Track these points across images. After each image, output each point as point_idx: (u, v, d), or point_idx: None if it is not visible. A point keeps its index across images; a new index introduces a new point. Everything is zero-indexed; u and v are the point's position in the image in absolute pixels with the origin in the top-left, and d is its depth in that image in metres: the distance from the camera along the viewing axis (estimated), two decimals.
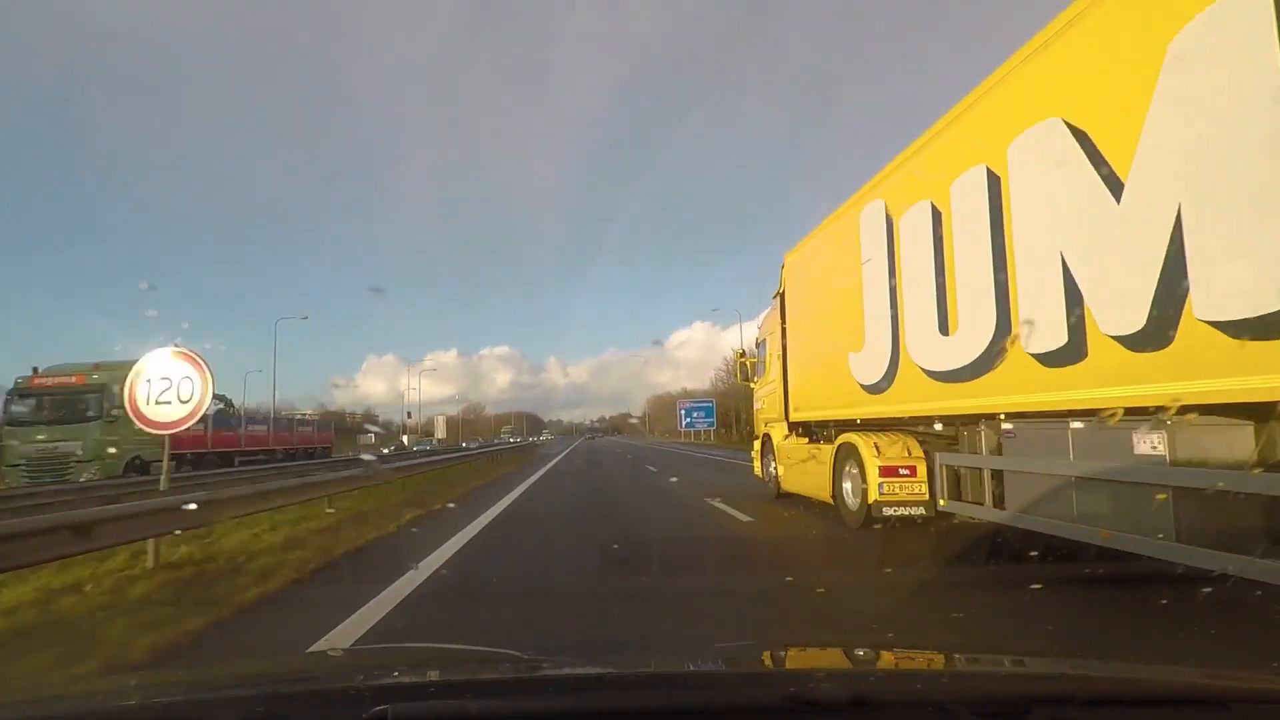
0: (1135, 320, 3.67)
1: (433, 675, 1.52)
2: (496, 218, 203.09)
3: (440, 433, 77.58)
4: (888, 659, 1.82)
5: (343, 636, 4.05)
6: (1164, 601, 4.59)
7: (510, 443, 48.90)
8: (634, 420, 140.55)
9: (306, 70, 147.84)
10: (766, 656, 1.83)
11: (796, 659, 1.81)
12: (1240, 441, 3.50)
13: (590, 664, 1.79)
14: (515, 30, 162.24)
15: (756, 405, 12.49)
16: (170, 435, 6.43)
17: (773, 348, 10.86)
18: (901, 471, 7.01)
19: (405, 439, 66.36)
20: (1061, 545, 4.98)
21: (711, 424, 68.01)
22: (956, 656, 1.88)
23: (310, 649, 3.87)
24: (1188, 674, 1.53)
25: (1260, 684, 1.38)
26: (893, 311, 6.56)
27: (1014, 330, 4.66)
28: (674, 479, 16.06)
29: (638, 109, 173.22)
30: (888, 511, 6.96)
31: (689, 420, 71.12)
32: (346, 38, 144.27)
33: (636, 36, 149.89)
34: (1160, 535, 3.85)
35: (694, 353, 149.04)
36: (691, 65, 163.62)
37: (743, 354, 13.27)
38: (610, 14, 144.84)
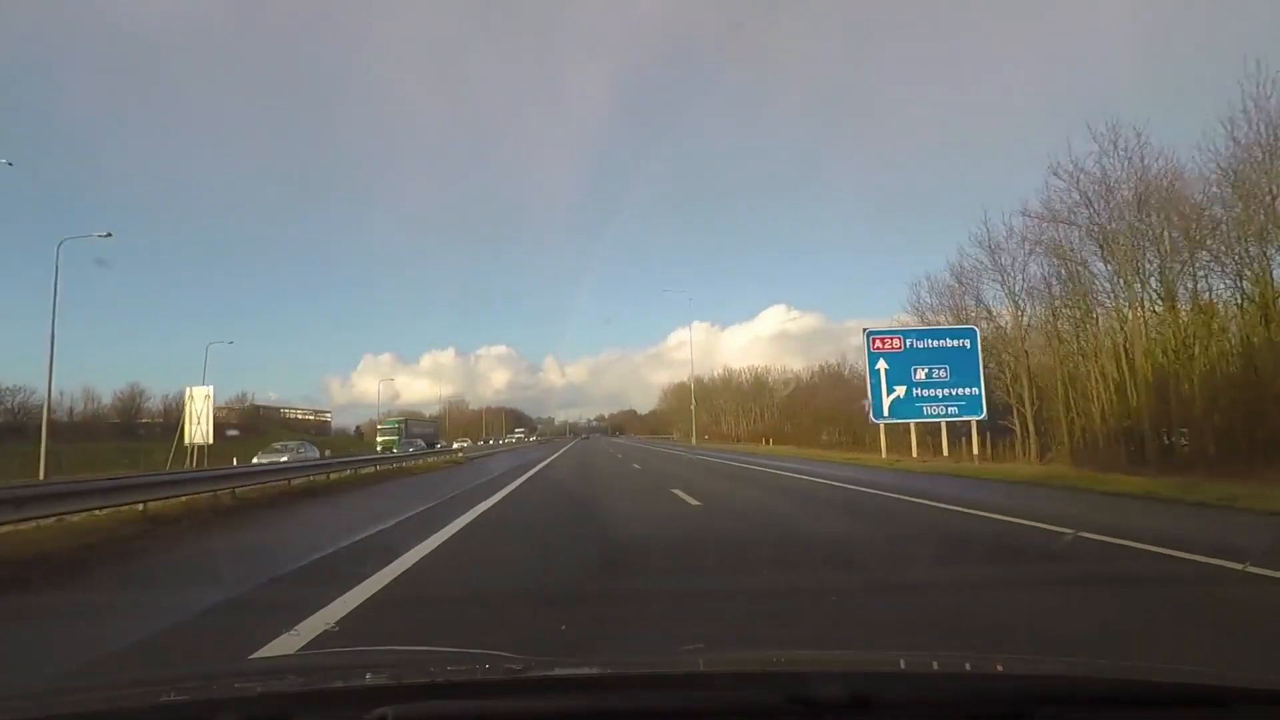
0: None
1: (433, 676, 1.56)
2: (495, 217, 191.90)
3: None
4: (888, 659, 1.87)
5: None
6: (1164, 601, 4.96)
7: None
8: (640, 413, 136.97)
9: (298, 61, 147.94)
10: (766, 656, 1.89)
11: (796, 659, 1.84)
12: None
13: (590, 664, 1.81)
14: (518, 26, 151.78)
15: None
16: None
17: None
18: None
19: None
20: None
21: (973, 409, 29.22)
22: (957, 656, 2.06)
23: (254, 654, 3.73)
24: (1188, 674, 1.61)
25: (1260, 684, 1.41)
26: None
27: None
28: None
29: (639, 107, 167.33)
30: None
31: (917, 396, 29.06)
32: (337, 26, 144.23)
33: (641, 32, 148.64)
34: None
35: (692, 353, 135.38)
36: (696, 64, 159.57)
37: None
38: (614, 6, 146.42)
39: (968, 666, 1.71)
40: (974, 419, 26.49)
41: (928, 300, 32.61)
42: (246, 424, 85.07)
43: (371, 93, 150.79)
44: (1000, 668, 1.70)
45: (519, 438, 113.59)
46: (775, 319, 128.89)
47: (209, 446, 37.70)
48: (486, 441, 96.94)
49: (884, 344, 27.28)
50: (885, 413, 26.84)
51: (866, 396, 28.83)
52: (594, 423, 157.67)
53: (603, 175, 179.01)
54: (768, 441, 63.43)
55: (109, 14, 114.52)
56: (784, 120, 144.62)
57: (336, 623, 4.45)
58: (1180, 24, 71.60)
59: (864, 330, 27.96)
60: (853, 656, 1.95)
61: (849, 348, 79.21)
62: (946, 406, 26.69)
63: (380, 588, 5.37)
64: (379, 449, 48.97)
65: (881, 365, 26.99)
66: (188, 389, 37.86)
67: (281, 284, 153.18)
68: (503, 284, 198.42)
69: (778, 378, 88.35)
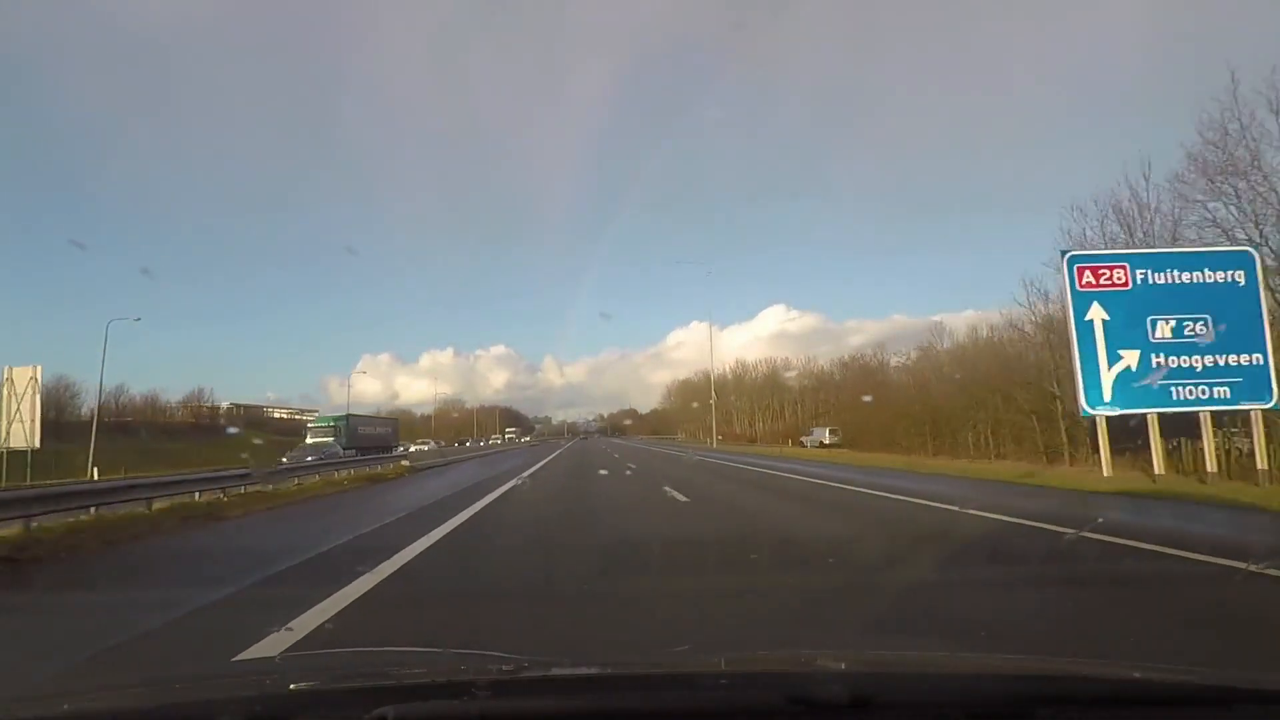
0: None
1: (433, 676, 1.54)
2: (494, 217, 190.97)
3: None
4: (888, 659, 1.88)
5: None
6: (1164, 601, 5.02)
7: None
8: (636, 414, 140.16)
9: (295, 59, 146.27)
10: (767, 657, 1.88)
11: (796, 659, 1.83)
12: None
13: (590, 664, 1.78)
14: (518, 26, 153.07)
15: None
16: None
17: None
18: None
19: None
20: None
21: (1256, 390, 16.42)
22: (957, 657, 1.98)
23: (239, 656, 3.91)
24: (1188, 674, 1.64)
25: (1260, 684, 1.40)
26: None
27: None
28: None
29: (640, 107, 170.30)
30: None
31: (1158, 366, 16.61)
32: (335, 24, 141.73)
33: (642, 31, 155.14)
34: None
35: (691, 353, 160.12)
36: (695, 61, 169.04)
37: None
38: (615, 5, 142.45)
39: (968, 666, 1.80)
40: (1258, 406, 14.15)
41: (1116, 232, 20.44)
42: (209, 425, 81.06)
43: (370, 93, 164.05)
44: (1000, 668, 1.76)
45: (510, 438, 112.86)
46: (775, 319, 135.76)
47: (35, 452, 25.08)
48: (462, 444, 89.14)
49: (1100, 278, 15.07)
50: (1107, 397, 14.57)
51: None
52: (593, 422, 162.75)
53: (603, 175, 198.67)
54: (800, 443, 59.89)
55: (108, 9, 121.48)
56: (784, 120, 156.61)
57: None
58: (1187, 22, 73.05)
59: (1062, 254, 15.76)
60: (853, 656, 1.90)
61: (847, 348, 79.38)
62: (1211, 386, 14.43)
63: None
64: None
65: (1096, 314, 15.39)
66: (5, 369, 25.42)
67: (280, 283, 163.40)
68: (502, 284, 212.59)
69: (802, 370, 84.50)
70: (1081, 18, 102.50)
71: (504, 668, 1.57)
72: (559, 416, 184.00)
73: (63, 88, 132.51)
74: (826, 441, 58.68)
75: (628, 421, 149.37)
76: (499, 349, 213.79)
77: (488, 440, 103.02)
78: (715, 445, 66.83)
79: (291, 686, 1.49)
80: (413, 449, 54.47)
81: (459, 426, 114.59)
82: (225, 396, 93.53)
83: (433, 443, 71.87)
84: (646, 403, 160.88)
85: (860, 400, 56.39)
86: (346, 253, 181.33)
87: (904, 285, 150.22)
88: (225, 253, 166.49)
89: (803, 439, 65.72)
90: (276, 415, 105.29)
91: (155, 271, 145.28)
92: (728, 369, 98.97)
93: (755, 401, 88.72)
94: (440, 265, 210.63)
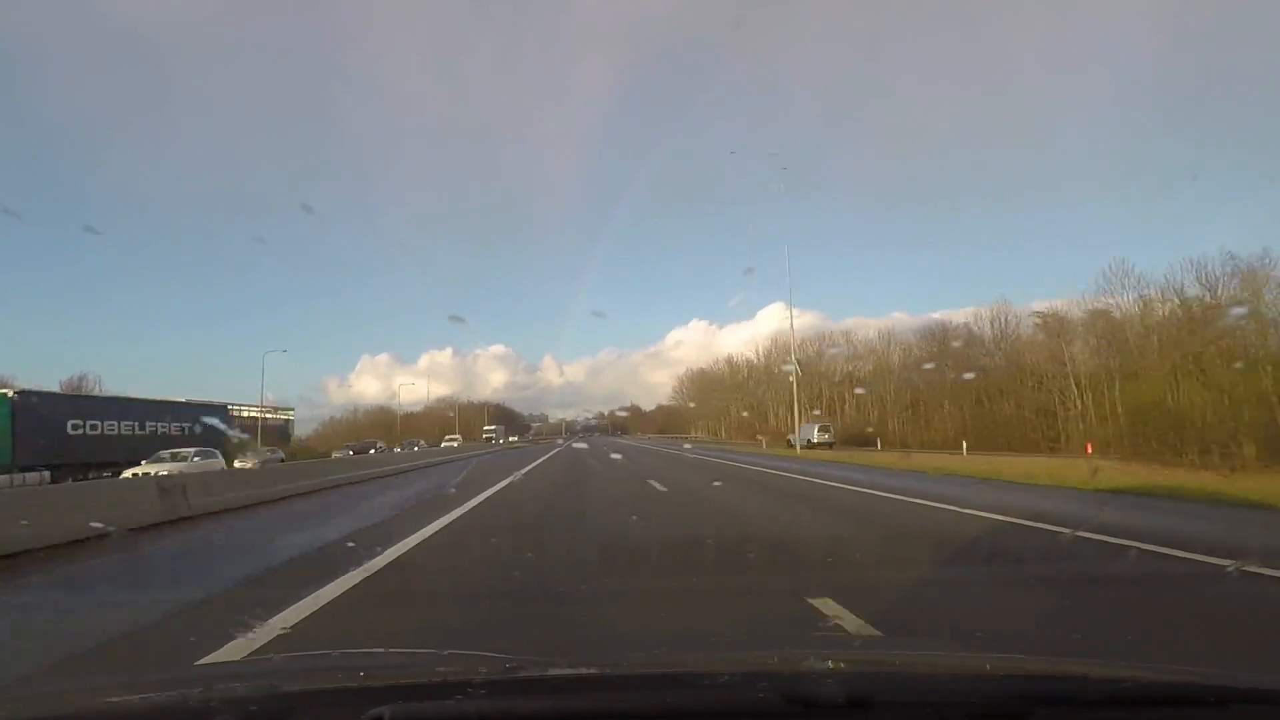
0: None
1: (430, 676, 1.57)
2: (493, 218, 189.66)
3: None
4: (888, 659, 1.87)
5: None
6: (1164, 601, 4.96)
7: None
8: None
9: (292, 52, 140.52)
10: (766, 656, 1.90)
11: (796, 659, 1.81)
12: None
13: (588, 664, 1.79)
14: (519, 26, 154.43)
15: None
16: None
17: None
18: None
19: None
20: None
21: None
22: (956, 657, 1.94)
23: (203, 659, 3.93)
24: (1188, 674, 1.62)
25: (1260, 684, 1.42)
26: None
27: None
28: None
29: (642, 107, 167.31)
30: None
31: None
32: (334, 20, 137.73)
33: (641, 29, 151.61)
34: None
35: (691, 352, 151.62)
36: (693, 60, 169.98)
37: None
38: (615, 3, 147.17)
39: (968, 667, 1.78)
40: None
41: None
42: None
43: (367, 91, 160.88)
44: (1000, 668, 1.73)
45: (489, 437, 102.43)
46: (774, 317, 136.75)
47: None
48: (377, 448, 64.73)
49: None
50: None
51: None
52: (592, 420, 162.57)
53: (602, 175, 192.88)
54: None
55: (104, 5, 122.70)
56: (781, 120, 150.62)
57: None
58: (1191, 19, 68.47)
59: None
60: (853, 656, 1.99)
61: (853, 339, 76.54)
62: None
63: None
64: None
65: None
66: None
67: (279, 283, 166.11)
68: (501, 284, 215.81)
69: (853, 353, 76.01)
70: (1078, 14, 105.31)
71: (501, 668, 1.55)
72: (559, 415, 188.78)
73: (62, 86, 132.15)
74: (816, 440, 48.60)
75: (623, 414, 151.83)
76: (498, 348, 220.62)
77: (416, 445, 72.98)
78: (800, 451, 44.10)
79: (286, 686, 1.44)
80: (138, 469, 26.88)
81: (444, 426, 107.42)
82: (67, 377, 74.96)
83: (272, 451, 42.97)
84: (648, 401, 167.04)
85: (965, 389, 41.50)
86: (344, 253, 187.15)
87: (902, 283, 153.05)
88: (224, 253, 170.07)
89: (790, 438, 56.80)
90: (245, 414, 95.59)
91: (153, 272, 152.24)
92: (759, 351, 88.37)
93: (790, 393, 77.46)
94: (440, 266, 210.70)
